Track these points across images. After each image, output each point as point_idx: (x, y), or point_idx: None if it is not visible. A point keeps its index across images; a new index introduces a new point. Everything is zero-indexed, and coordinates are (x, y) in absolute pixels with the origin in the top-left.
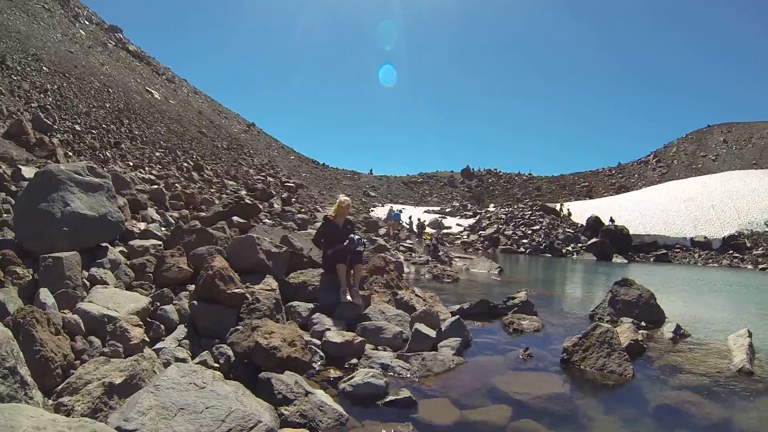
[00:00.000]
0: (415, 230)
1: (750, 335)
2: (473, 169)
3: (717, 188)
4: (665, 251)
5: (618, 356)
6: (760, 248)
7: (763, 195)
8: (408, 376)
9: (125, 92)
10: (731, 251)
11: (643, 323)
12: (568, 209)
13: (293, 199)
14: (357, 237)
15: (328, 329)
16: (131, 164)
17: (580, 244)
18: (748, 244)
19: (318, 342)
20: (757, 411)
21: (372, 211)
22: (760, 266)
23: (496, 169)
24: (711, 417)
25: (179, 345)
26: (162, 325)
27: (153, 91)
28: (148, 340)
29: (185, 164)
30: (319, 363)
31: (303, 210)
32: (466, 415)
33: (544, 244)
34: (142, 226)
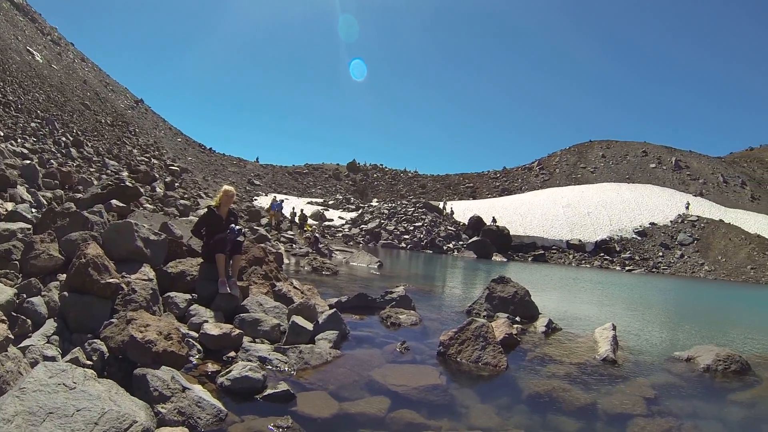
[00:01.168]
0: (297, 221)
1: (614, 328)
2: (359, 163)
3: (593, 197)
4: (543, 252)
5: (493, 349)
6: (628, 252)
7: (633, 206)
8: (286, 369)
9: (2, 50)
10: (602, 254)
11: (518, 318)
12: (451, 208)
13: (177, 184)
14: (237, 227)
15: (206, 321)
16: (1, 134)
17: (461, 242)
18: (618, 249)
19: (195, 335)
20: (619, 394)
21: (255, 200)
22: (627, 268)
23: (382, 165)
24: (579, 402)
25: (48, 342)
26: (29, 320)
27: (35, 53)
28: (12, 337)
29: (63, 139)
30: (197, 357)
31: (186, 196)
32: (344, 408)
33: (425, 241)
34: (10, 206)
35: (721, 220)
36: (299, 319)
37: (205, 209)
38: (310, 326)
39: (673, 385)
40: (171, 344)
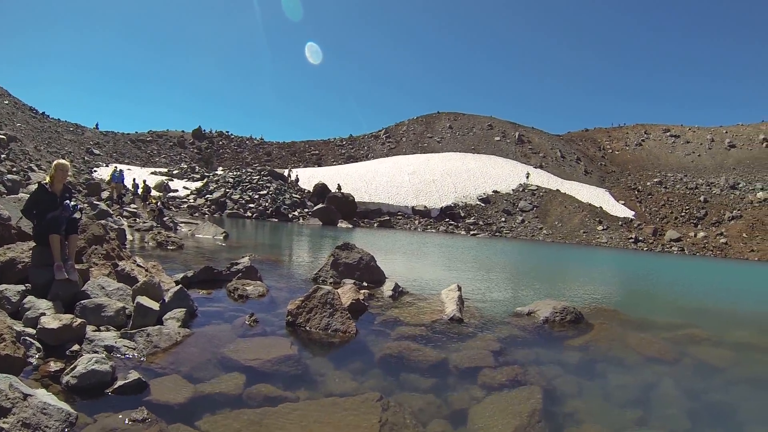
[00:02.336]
0: (140, 194)
1: (459, 289)
2: (205, 130)
3: (438, 166)
4: (388, 218)
5: (341, 315)
6: (472, 218)
7: (478, 175)
8: (135, 355)
9: None
10: (447, 219)
11: (365, 284)
12: (297, 175)
13: (3, 156)
14: (72, 203)
15: (43, 314)
16: None
17: (306, 210)
18: (462, 214)
19: (32, 331)
20: (468, 350)
21: (95, 171)
22: (471, 232)
23: (228, 132)
24: (430, 360)
25: None
26: None
27: None
28: None
29: None
30: (37, 356)
31: (15, 169)
32: (200, 389)
33: (271, 209)
34: None
35: (558, 190)
36: (145, 300)
37: (36, 185)
38: (156, 306)
39: (517, 337)
40: (4, 347)
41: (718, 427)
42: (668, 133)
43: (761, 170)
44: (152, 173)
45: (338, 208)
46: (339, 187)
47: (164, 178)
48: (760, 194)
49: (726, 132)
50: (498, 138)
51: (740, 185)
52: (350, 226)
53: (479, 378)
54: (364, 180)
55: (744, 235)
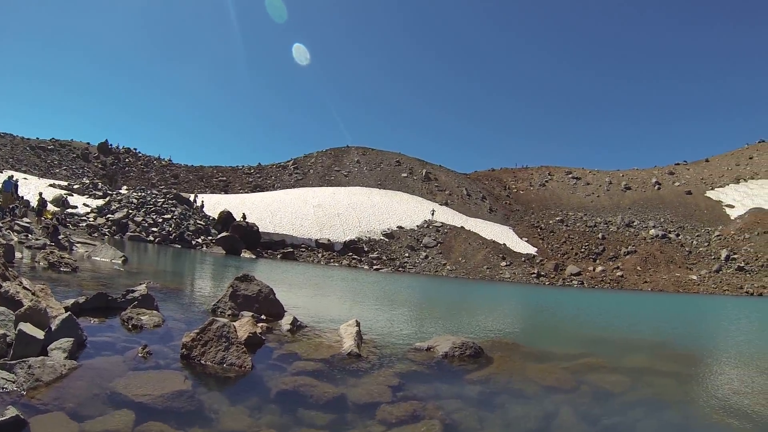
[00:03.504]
0: (35, 207)
1: (358, 324)
2: (111, 144)
3: (344, 199)
4: (292, 249)
5: (236, 349)
6: (376, 252)
7: (383, 210)
8: (14, 389)
9: None
10: (351, 253)
11: (263, 317)
12: (202, 201)
13: None
14: None
15: None
16: None
17: (210, 237)
18: (366, 249)
19: None
20: (366, 385)
21: None
22: (375, 267)
23: (135, 149)
24: (327, 395)
25: None
26: None
27: None
28: None
29: None
30: None
31: None
32: (85, 428)
33: (174, 234)
34: None
35: (462, 227)
36: (28, 327)
37: None
38: (40, 335)
39: (416, 373)
40: None
41: None
42: (570, 175)
43: (653, 210)
44: (50, 185)
45: (242, 237)
46: (244, 216)
47: (63, 192)
48: (652, 231)
49: (623, 175)
50: (405, 174)
51: (635, 223)
52: (253, 256)
53: (377, 414)
54: (270, 210)
55: (638, 268)
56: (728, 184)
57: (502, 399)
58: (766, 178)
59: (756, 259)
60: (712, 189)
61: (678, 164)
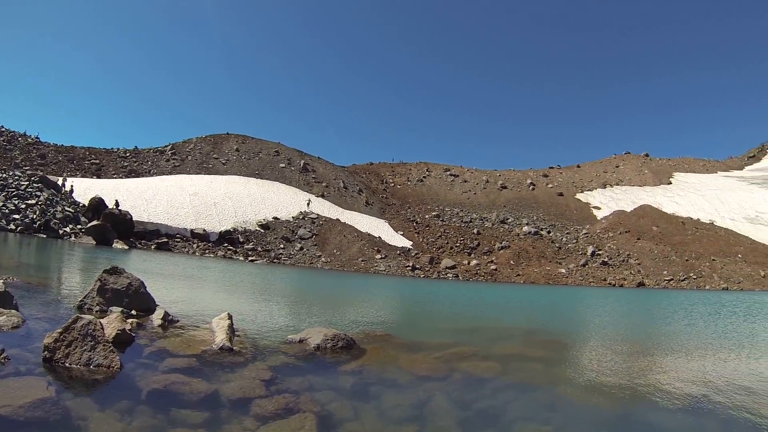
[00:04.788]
0: None
1: (230, 317)
2: None
3: (221, 188)
4: (167, 240)
5: (104, 348)
6: (251, 243)
7: (259, 200)
8: None
9: None
10: (226, 244)
11: (133, 312)
12: (72, 185)
13: None
14: None
15: None
16: None
17: (80, 226)
18: (241, 239)
19: None
20: (239, 380)
21: None
22: (250, 258)
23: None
24: (200, 392)
25: None
26: None
27: None
28: None
29: None
30: None
31: None
32: None
33: (39, 222)
34: None
35: (338, 219)
36: None
37: None
38: None
39: (289, 366)
40: None
41: (487, 429)
42: (448, 172)
43: (527, 209)
44: None
45: (114, 226)
46: (117, 204)
47: None
48: (525, 228)
49: (499, 175)
50: (283, 165)
51: (509, 220)
52: (126, 247)
53: (252, 409)
54: (144, 198)
55: (511, 262)
56: (596, 189)
57: (375, 389)
58: (630, 185)
59: (618, 255)
60: (582, 192)
61: (552, 168)
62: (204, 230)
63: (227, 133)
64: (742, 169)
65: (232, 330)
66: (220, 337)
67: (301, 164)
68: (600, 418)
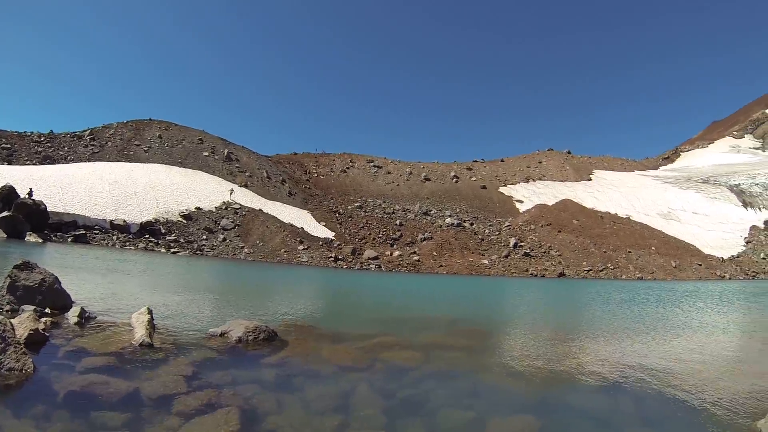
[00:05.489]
0: None
1: (150, 312)
2: None
3: (143, 177)
4: (84, 232)
5: (15, 351)
6: (173, 235)
7: (182, 190)
8: None
9: None
10: (147, 236)
11: (47, 310)
12: None
13: None
14: None
15: None
16: None
17: None
18: (163, 231)
19: None
20: (160, 377)
21: None
22: (172, 250)
23: None
24: (120, 392)
25: None
26: None
27: None
28: None
29: None
30: None
31: None
32: None
33: None
34: None
35: (261, 210)
36: None
37: None
38: None
39: (211, 360)
40: None
41: (411, 417)
42: (372, 164)
43: (450, 201)
44: None
45: (27, 218)
46: (30, 193)
47: None
48: (448, 220)
49: (423, 167)
50: (207, 153)
51: (432, 212)
52: (40, 240)
53: (174, 406)
54: (60, 186)
55: (434, 253)
56: (519, 183)
57: (298, 381)
58: (552, 180)
59: (539, 247)
60: (505, 186)
61: (476, 161)
62: (124, 221)
63: (150, 119)
64: (656, 169)
65: (152, 325)
66: (140, 333)
67: (225, 153)
68: (521, 402)
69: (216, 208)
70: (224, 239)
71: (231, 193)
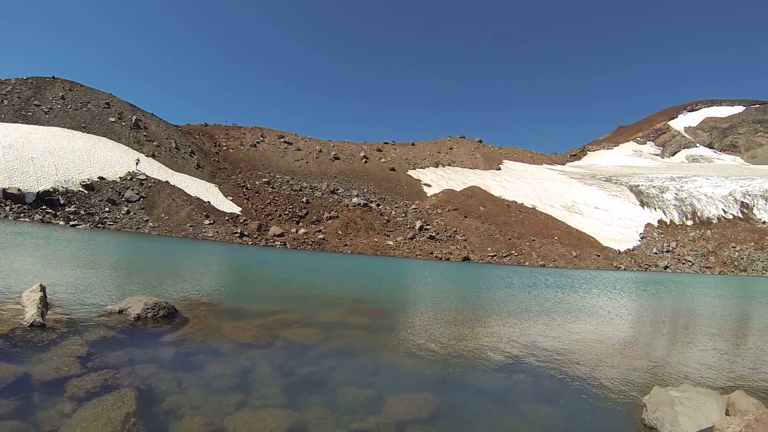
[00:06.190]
0: None
1: (43, 289)
2: None
3: (41, 141)
4: None
5: None
6: (73, 206)
7: (84, 157)
8: None
9: None
10: (45, 207)
11: None
12: None
13: None
14: None
15: None
16: None
17: None
18: (62, 201)
19: None
20: (53, 359)
21: None
22: (72, 223)
23: None
24: (8, 377)
25: None
26: None
27: None
28: None
29: None
30: None
31: None
32: None
33: None
34: None
35: (167, 182)
36: None
37: None
38: None
39: (108, 339)
40: None
41: (311, 395)
42: (282, 140)
43: (358, 181)
44: None
45: None
46: None
47: None
48: (355, 200)
49: (333, 146)
50: (113, 119)
51: (339, 191)
52: None
53: (67, 389)
54: None
55: (339, 232)
56: (429, 167)
57: (199, 359)
58: (461, 166)
59: (445, 230)
60: (414, 169)
61: (387, 143)
62: (19, 190)
63: (53, 77)
64: (564, 165)
65: (44, 304)
66: (31, 313)
67: (133, 120)
68: (420, 380)
69: (120, 178)
70: (128, 212)
71: (137, 163)
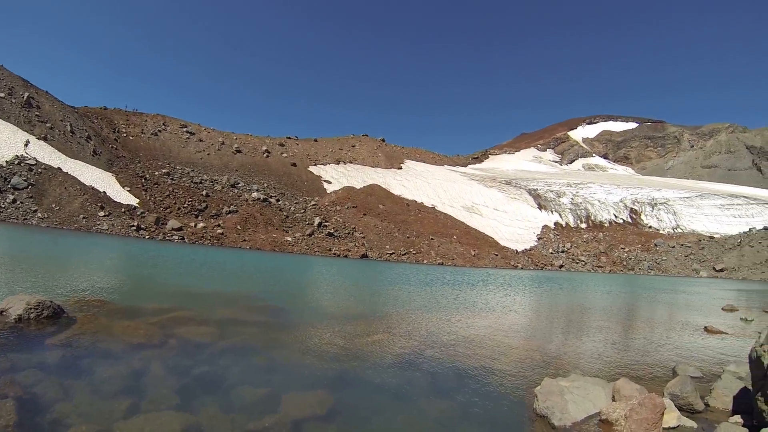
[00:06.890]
0: None
1: None
2: None
3: None
4: None
5: None
6: None
7: None
8: None
9: None
10: None
11: None
12: None
13: None
14: None
15: None
16: None
17: None
18: None
19: None
20: None
21: None
22: None
23: None
24: None
25: None
26: None
27: None
28: None
29: None
30: None
31: None
32: None
33: None
34: None
35: (60, 168)
36: None
37: None
38: None
39: None
40: None
41: (205, 395)
42: (185, 129)
43: (259, 175)
44: None
45: None
46: None
47: None
48: (255, 194)
49: (236, 138)
50: (2, 94)
51: (239, 185)
52: None
53: None
54: None
55: (239, 227)
56: (330, 164)
57: (87, 362)
58: (363, 164)
59: (344, 228)
60: (316, 165)
61: (289, 138)
62: None
63: None
64: (465, 167)
65: None
66: None
67: (25, 97)
68: (316, 378)
69: (7, 162)
70: (14, 200)
71: (26, 146)
